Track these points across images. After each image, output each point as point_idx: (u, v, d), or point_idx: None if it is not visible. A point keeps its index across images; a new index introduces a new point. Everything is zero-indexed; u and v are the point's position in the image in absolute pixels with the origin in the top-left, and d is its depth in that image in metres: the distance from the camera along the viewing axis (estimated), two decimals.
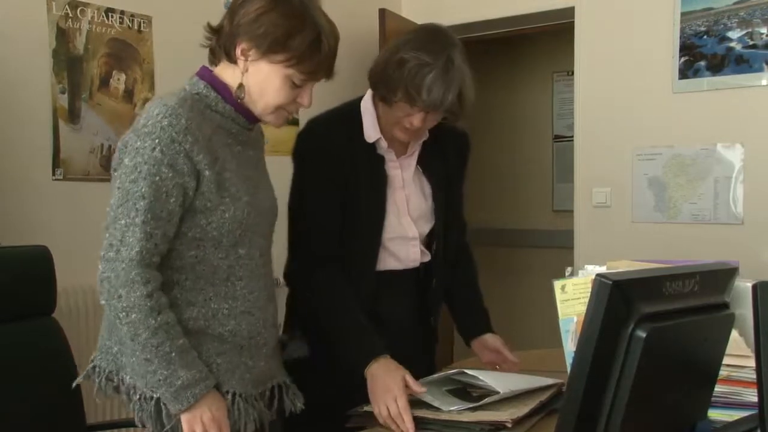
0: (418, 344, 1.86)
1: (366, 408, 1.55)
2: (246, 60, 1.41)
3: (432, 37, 1.67)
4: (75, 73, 2.69)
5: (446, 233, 1.87)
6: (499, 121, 4.76)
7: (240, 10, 1.40)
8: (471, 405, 1.51)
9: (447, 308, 1.97)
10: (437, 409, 1.50)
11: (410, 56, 1.62)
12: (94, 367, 1.48)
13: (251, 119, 1.49)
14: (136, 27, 2.86)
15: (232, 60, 1.43)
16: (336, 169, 1.71)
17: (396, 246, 1.78)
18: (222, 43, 1.44)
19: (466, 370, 1.63)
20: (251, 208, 1.44)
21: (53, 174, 2.64)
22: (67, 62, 2.66)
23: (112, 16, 2.79)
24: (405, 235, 1.78)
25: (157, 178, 1.32)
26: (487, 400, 1.52)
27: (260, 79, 1.42)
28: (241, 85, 1.43)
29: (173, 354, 1.33)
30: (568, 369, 1.41)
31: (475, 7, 3.77)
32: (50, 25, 2.62)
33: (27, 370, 1.76)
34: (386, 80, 1.66)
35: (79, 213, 2.70)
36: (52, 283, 1.85)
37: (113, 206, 1.34)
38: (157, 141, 1.32)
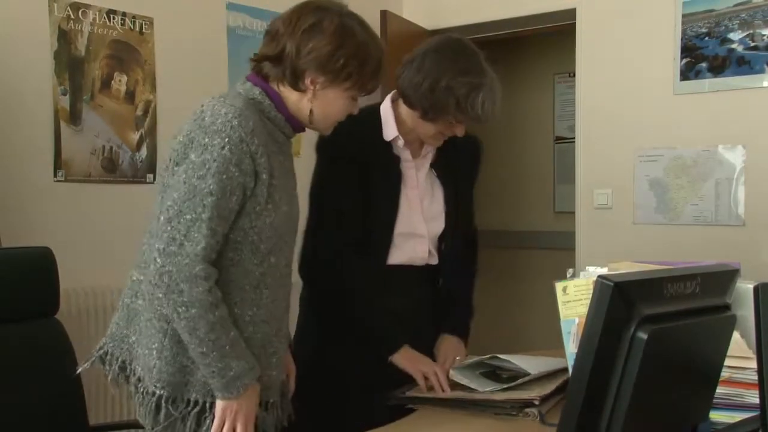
0: (427, 339, 1.90)
1: (408, 393, 1.70)
2: (314, 88, 1.47)
3: (467, 55, 1.74)
4: (76, 74, 2.69)
5: (455, 235, 1.93)
6: (501, 123, 4.74)
7: (307, 44, 1.44)
8: (503, 386, 1.65)
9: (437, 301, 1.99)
10: (473, 390, 1.65)
11: (458, 82, 1.69)
12: (106, 353, 1.49)
13: (298, 129, 1.54)
14: (137, 28, 2.87)
15: (298, 88, 1.47)
16: (354, 165, 1.80)
17: (405, 241, 1.85)
18: (284, 70, 1.46)
19: (498, 355, 1.76)
20: (287, 218, 1.48)
21: (55, 175, 2.64)
22: (69, 64, 2.67)
23: (113, 18, 2.79)
24: (415, 231, 1.86)
25: (225, 176, 1.34)
26: (519, 381, 1.66)
27: (326, 103, 1.49)
28: (311, 112, 1.49)
29: (227, 347, 1.36)
30: (570, 371, 1.41)
31: (476, 9, 3.77)
32: (52, 27, 2.62)
33: (29, 370, 1.76)
34: (436, 104, 1.72)
35: (81, 214, 2.71)
36: (54, 284, 1.86)
37: (177, 200, 1.34)
38: (227, 140, 1.34)
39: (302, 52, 1.44)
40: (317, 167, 1.85)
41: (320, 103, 1.48)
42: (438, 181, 1.91)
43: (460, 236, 1.95)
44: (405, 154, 1.85)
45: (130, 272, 1.50)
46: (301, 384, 1.90)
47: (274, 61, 1.47)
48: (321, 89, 1.47)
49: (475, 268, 2.06)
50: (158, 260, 1.34)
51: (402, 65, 1.79)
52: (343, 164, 1.80)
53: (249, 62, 1.53)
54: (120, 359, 1.47)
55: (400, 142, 1.83)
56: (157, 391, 1.40)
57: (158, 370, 1.41)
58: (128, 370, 1.47)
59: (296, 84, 1.47)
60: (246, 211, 1.40)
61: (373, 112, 1.86)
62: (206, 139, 1.35)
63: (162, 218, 1.36)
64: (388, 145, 1.84)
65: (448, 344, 1.89)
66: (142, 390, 1.43)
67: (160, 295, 1.35)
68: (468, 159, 1.97)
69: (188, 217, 1.33)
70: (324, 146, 1.84)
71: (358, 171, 1.80)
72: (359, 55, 1.46)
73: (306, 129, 1.57)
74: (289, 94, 1.49)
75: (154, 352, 1.41)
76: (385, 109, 1.85)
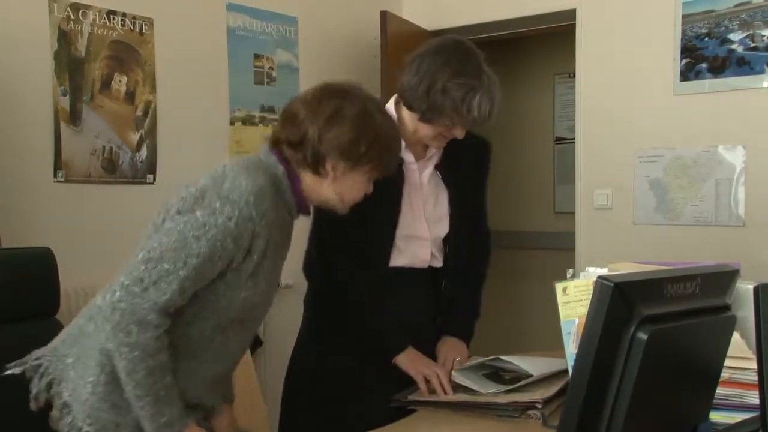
0: (430, 341, 1.90)
1: (411, 396, 1.69)
2: (335, 174, 1.48)
3: (464, 57, 1.73)
4: (76, 75, 2.69)
5: (461, 238, 1.92)
6: (501, 123, 4.73)
7: (329, 131, 1.45)
8: (506, 388, 1.65)
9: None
10: (475, 393, 1.65)
11: (453, 84, 1.69)
12: (40, 365, 1.45)
13: (304, 213, 1.56)
14: (137, 29, 2.87)
15: (318, 173, 1.48)
16: None
17: (407, 244, 1.85)
18: (305, 155, 1.47)
19: (501, 357, 1.77)
20: (262, 297, 1.48)
21: (55, 176, 2.64)
22: (69, 64, 2.67)
23: (113, 19, 2.79)
24: (417, 234, 1.86)
25: (219, 244, 1.34)
26: (522, 383, 1.66)
27: (346, 188, 1.51)
28: (330, 197, 1.52)
29: (162, 392, 1.35)
30: (570, 371, 1.41)
31: (476, 10, 3.77)
32: (52, 28, 2.62)
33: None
34: (433, 106, 1.72)
35: (81, 215, 2.71)
36: (54, 284, 1.85)
37: (164, 245, 1.34)
38: (237, 213, 1.35)
39: (324, 138, 1.45)
40: None
41: (340, 188, 1.50)
42: (442, 183, 1.90)
43: (466, 238, 1.95)
44: (408, 157, 1.85)
45: (97, 293, 1.46)
46: (304, 385, 1.92)
47: (295, 146, 1.47)
48: (341, 175, 1.48)
49: (484, 270, 2.05)
50: (117, 293, 1.32)
51: (402, 67, 1.79)
52: None
53: (265, 142, 1.53)
54: (51, 377, 1.44)
55: (403, 144, 1.82)
56: (85, 428, 1.37)
57: (90, 406, 1.38)
58: (53, 391, 1.42)
59: (317, 169, 1.48)
60: (225, 279, 1.40)
61: None
62: (217, 204, 1.35)
63: (140, 256, 1.34)
64: None
65: (449, 346, 1.89)
66: (69, 422, 1.39)
67: (108, 328, 1.33)
68: (474, 160, 1.95)
69: (166, 266, 1.32)
70: None
71: None
72: (380, 141, 1.48)
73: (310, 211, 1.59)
74: (307, 178, 1.50)
75: (89, 386, 1.39)
76: (388, 110, 1.83)
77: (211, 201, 1.36)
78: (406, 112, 1.81)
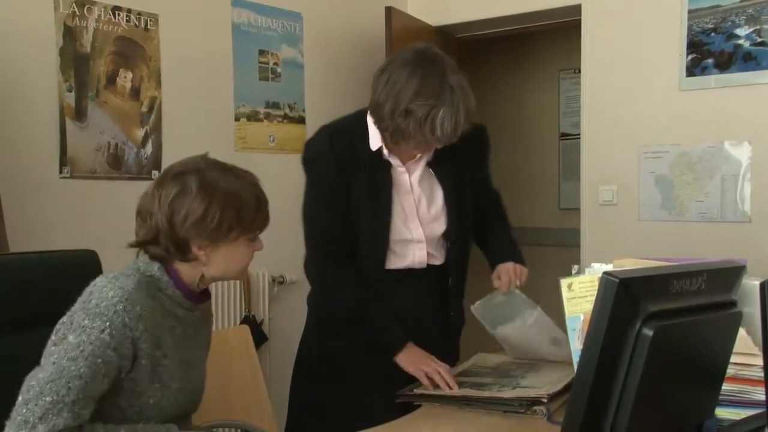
0: (433, 338, 1.89)
1: (416, 390, 1.69)
2: (205, 253, 1.42)
3: (427, 70, 1.68)
4: (82, 71, 2.69)
5: (461, 232, 1.92)
6: (505, 119, 4.75)
7: (176, 215, 1.38)
8: (512, 382, 1.68)
9: (482, 252, 2.02)
10: (481, 387, 1.66)
11: (415, 106, 1.65)
12: None
13: (198, 302, 1.49)
14: (142, 25, 2.87)
15: (188, 259, 1.42)
16: (339, 176, 1.78)
17: (401, 248, 1.84)
18: (168, 248, 1.41)
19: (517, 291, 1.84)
20: (180, 394, 1.43)
21: (60, 172, 2.64)
22: (74, 60, 2.67)
23: (118, 15, 2.79)
24: (410, 238, 1.84)
25: (100, 360, 1.28)
26: (526, 381, 1.68)
27: (222, 260, 1.43)
28: (202, 277, 1.44)
29: None
30: (575, 367, 1.41)
31: (481, 5, 3.76)
32: (57, 24, 2.62)
33: None
34: (397, 129, 1.70)
35: (86, 211, 2.71)
36: None
37: (41, 380, 1.25)
38: (108, 323, 1.30)
39: (175, 224, 1.38)
40: (306, 181, 1.84)
41: (220, 265, 1.43)
42: (437, 180, 1.87)
43: (467, 232, 1.95)
44: (395, 161, 1.82)
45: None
46: (310, 381, 1.92)
47: (153, 242, 1.41)
48: (213, 253, 1.42)
49: (507, 221, 2.07)
50: None
51: (373, 78, 1.75)
52: (326, 177, 1.79)
53: (130, 247, 1.45)
54: None
55: (386, 151, 1.80)
56: None
57: None
58: None
59: (186, 256, 1.41)
60: (125, 389, 1.35)
61: (361, 119, 1.83)
62: (86, 321, 1.30)
63: (20, 399, 1.26)
64: (377, 152, 1.80)
65: (504, 266, 1.91)
66: None
67: None
68: (471, 147, 1.89)
69: (48, 399, 1.24)
70: (310, 159, 1.83)
71: (342, 183, 1.78)
72: (231, 205, 1.40)
73: (210, 297, 1.52)
74: (182, 268, 1.43)
75: None
76: (371, 117, 1.80)
77: (81, 321, 1.30)
78: (388, 138, 1.78)
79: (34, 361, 1.33)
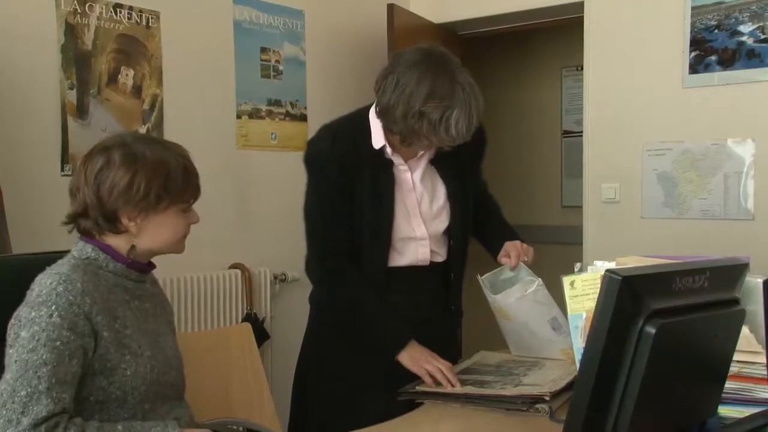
0: (437, 334, 1.90)
1: (417, 387, 1.69)
2: (136, 224, 1.42)
3: (438, 70, 1.68)
4: (83, 68, 2.69)
5: (464, 228, 1.93)
6: (508, 117, 4.74)
7: (101, 186, 1.39)
8: (515, 380, 1.68)
9: (480, 243, 2.03)
10: (483, 385, 1.66)
11: (428, 107, 1.65)
12: None
13: (144, 271, 1.49)
14: (144, 22, 2.87)
15: (119, 231, 1.42)
16: (341, 175, 1.79)
17: (404, 246, 1.85)
18: (97, 220, 1.41)
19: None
20: (155, 362, 1.43)
21: (62, 170, 2.64)
22: (76, 58, 2.67)
23: (120, 12, 2.79)
24: (413, 236, 1.85)
25: (58, 342, 1.29)
26: (528, 379, 1.68)
27: (153, 231, 1.44)
28: (133, 247, 1.44)
29: None
30: (578, 365, 1.40)
31: (483, 3, 3.75)
32: (59, 21, 2.62)
33: None
34: (411, 131, 1.70)
35: None
36: None
37: (9, 380, 1.26)
38: (53, 307, 1.30)
39: (102, 195, 1.39)
40: (307, 179, 1.85)
41: (147, 234, 1.43)
42: (439, 177, 1.88)
43: (468, 228, 1.95)
44: (397, 159, 1.83)
45: None
46: (312, 381, 1.92)
47: (83, 216, 1.42)
48: (144, 223, 1.42)
49: (501, 210, 2.08)
50: None
51: (377, 80, 1.75)
52: (328, 177, 1.79)
53: (63, 225, 1.47)
54: None
55: (389, 149, 1.81)
56: None
57: None
58: None
59: (116, 228, 1.42)
60: (97, 371, 1.35)
61: (362, 117, 1.83)
62: (33, 313, 1.30)
63: None
64: (379, 151, 1.81)
65: (512, 243, 1.90)
66: None
67: None
68: (472, 144, 1.87)
69: (23, 393, 1.25)
70: (312, 158, 1.83)
71: (343, 182, 1.78)
72: (158, 174, 1.40)
73: (154, 266, 1.52)
74: (114, 241, 1.43)
75: None
76: (374, 115, 1.80)
77: (27, 314, 1.31)
78: (396, 138, 1.78)
79: None
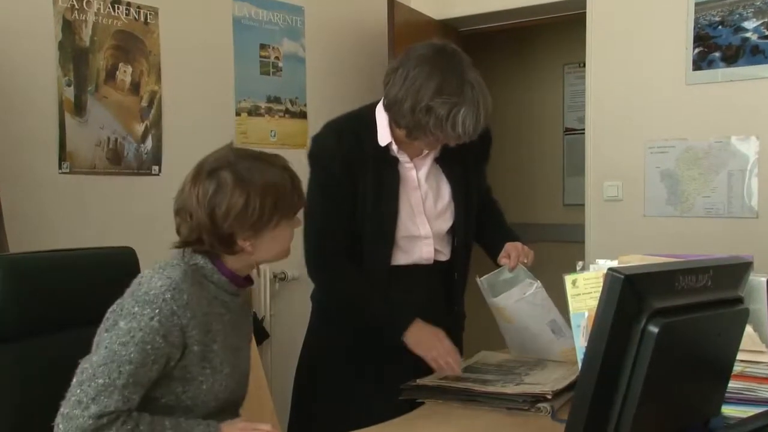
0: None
1: (420, 381, 1.70)
2: (251, 243, 1.45)
3: (447, 67, 1.68)
4: (81, 65, 2.68)
5: (468, 227, 1.92)
6: (509, 114, 4.73)
7: (216, 209, 1.40)
8: (516, 379, 1.68)
9: (481, 246, 2.01)
10: (485, 382, 1.66)
11: (436, 103, 1.65)
12: None
13: (242, 285, 1.52)
14: (142, 19, 2.85)
15: (234, 252, 1.45)
16: (345, 172, 1.78)
17: (408, 244, 1.84)
18: (212, 244, 1.43)
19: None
20: (231, 380, 1.46)
21: (60, 167, 2.63)
22: (73, 55, 2.65)
23: (118, 8, 2.78)
24: (417, 234, 1.84)
25: (149, 346, 1.33)
26: (530, 378, 1.68)
27: (267, 246, 1.47)
28: (254, 264, 1.50)
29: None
30: (580, 364, 1.39)
31: None
32: (56, 17, 2.61)
33: None
34: (417, 125, 1.69)
35: (86, 206, 2.70)
36: None
37: (94, 363, 1.31)
38: (157, 311, 1.34)
39: (218, 219, 1.40)
40: (310, 176, 1.84)
41: (266, 252, 1.47)
42: (444, 176, 1.88)
43: (471, 227, 1.94)
44: (402, 156, 1.82)
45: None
46: (310, 379, 1.91)
47: (197, 242, 1.44)
48: (258, 242, 1.45)
49: (503, 213, 2.08)
50: (60, 426, 1.28)
51: (386, 73, 1.74)
52: (332, 174, 1.79)
53: (174, 248, 1.47)
54: None
55: (395, 146, 1.80)
56: None
57: None
58: None
59: (232, 249, 1.44)
60: (175, 377, 1.39)
61: (367, 115, 1.83)
62: (136, 308, 1.34)
63: (75, 380, 1.32)
64: (385, 149, 1.81)
65: (512, 244, 1.89)
66: None
67: None
68: (477, 144, 1.87)
69: (100, 381, 1.29)
70: (316, 154, 1.83)
71: (347, 179, 1.78)
72: (269, 193, 1.42)
73: (253, 282, 1.55)
74: (230, 261, 1.47)
75: None
76: (380, 112, 1.80)
77: (131, 308, 1.35)
78: (402, 134, 1.77)
79: (78, 357, 1.35)
